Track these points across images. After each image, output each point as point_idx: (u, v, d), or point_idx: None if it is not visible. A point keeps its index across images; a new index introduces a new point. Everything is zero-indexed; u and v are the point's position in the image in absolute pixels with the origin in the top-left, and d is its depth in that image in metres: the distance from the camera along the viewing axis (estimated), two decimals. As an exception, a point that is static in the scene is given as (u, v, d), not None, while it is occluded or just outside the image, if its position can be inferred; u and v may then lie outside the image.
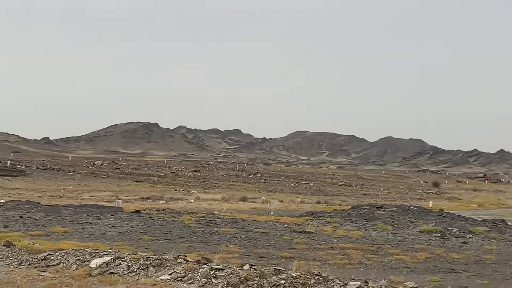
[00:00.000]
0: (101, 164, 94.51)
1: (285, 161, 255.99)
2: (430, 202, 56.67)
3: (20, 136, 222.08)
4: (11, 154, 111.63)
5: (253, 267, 12.14)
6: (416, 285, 11.39)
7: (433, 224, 28.81)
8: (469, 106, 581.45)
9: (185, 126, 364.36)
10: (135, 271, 12.12)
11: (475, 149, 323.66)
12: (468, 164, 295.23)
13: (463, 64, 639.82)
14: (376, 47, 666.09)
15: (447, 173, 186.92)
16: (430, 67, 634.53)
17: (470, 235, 25.70)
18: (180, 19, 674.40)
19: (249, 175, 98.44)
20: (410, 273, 15.97)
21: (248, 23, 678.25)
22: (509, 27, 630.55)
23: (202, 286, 11.26)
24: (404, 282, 12.18)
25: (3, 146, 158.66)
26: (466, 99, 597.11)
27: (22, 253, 13.89)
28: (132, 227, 23.40)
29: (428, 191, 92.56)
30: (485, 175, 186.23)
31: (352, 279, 11.99)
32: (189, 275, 11.70)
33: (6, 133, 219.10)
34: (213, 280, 11.43)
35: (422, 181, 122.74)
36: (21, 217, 24.54)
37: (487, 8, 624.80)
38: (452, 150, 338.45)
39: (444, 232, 26.42)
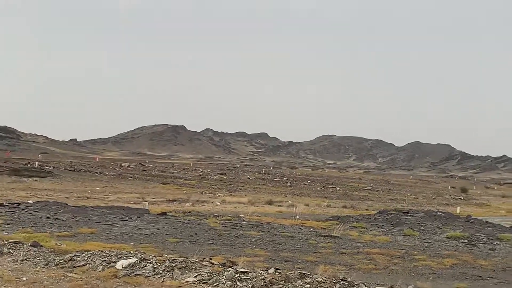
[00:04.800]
0: (128, 166, 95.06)
1: (311, 165, 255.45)
2: (458, 208, 56.04)
3: (48, 137, 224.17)
4: (39, 155, 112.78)
5: (278, 270, 12.12)
6: (442, 292, 11.30)
7: (461, 230, 28.57)
8: (498, 111, 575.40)
9: (212, 129, 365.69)
10: (160, 273, 12.16)
11: (504, 155, 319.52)
12: (497, 170, 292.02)
13: (493, 69, 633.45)
14: (405, 51, 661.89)
15: (475, 179, 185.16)
16: (460, 72, 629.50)
17: (498, 242, 25.41)
18: (205, 21, 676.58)
19: (275, 178, 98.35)
20: (437, 279, 15.84)
21: (275, 25, 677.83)
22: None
23: (227, 289, 11.27)
24: (431, 288, 12.09)
25: (31, 147, 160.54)
26: (495, 105, 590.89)
27: (49, 253, 13.99)
28: (158, 229, 23.49)
29: (456, 197, 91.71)
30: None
31: (378, 284, 11.92)
32: (214, 277, 11.72)
33: (35, 134, 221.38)
34: (238, 283, 11.43)
35: (449, 187, 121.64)
36: (48, 217, 24.74)
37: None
38: (481, 156, 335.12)
39: (471, 238, 26.16)
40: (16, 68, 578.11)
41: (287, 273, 11.51)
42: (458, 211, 50.29)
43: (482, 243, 25.02)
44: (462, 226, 30.30)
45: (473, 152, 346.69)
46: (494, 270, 18.22)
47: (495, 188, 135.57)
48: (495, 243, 25.08)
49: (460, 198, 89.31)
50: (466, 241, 25.42)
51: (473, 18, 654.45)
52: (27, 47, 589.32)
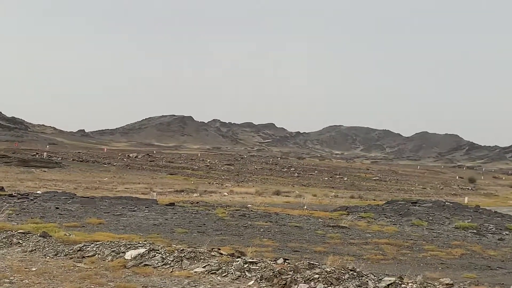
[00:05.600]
0: (135, 157, 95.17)
1: (318, 155, 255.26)
2: (466, 198, 55.87)
3: (57, 128, 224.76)
4: (47, 146, 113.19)
5: (287, 261, 12.12)
6: (451, 282, 11.24)
7: (469, 220, 28.52)
8: (506, 101, 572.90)
9: (219, 120, 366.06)
10: (169, 263, 12.17)
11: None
12: (505, 160, 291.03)
13: (500, 59, 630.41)
14: (413, 41, 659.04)
15: (483, 169, 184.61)
16: (467, 62, 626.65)
17: (507, 232, 25.39)
18: (216, 13, 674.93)
19: (282, 169, 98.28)
20: (446, 269, 15.81)
21: (279, 18, 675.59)
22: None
23: (235, 279, 11.27)
24: (440, 278, 12.03)
25: (40, 138, 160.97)
26: (504, 94, 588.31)
27: (58, 244, 14.02)
28: (167, 220, 23.53)
29: (464, 187, 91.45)
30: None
31: (387, 274, 11.88)
32: (223, 268, 11.72)
33: (43, 125, 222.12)
34: (246, 273, 11.43)
35: (457, 177, 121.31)
36: (57, 208, 24.83)
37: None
38: (489, 146, 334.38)
39: (480, 228, 26.13)
40: (24, 60, 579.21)
41: (296, 263, 11.50)
42: (466, 201, 50.15)
43: (491, 233, 24.99)
44: (471, 216, 30.24)
45: (481, 142, 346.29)
46: (503, 260, 18.19)
47: (503, 178, 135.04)
48: (504, 233, 25.04)
49: (468, 188, 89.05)
50: (474, 231, 25.38)
51: (484, 8, 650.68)
52: (34, 39, 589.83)
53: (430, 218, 29.04)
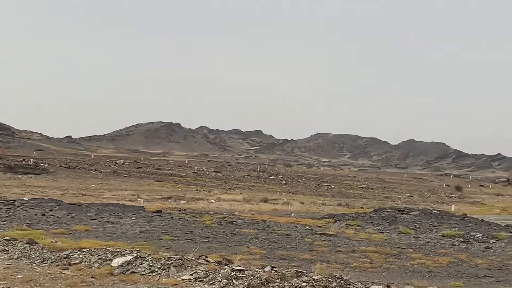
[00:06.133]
0: (123, 163, 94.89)
1: (306, 162, 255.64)
2: (453, 206, 56.08)
3: (43, 134, 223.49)
4: (34, 152, 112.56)
5: (274, 269, 12.10)
6: (438, 290, 11.29)
7: (456, 228, 28.58)
8: (493, 109, 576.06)
9: (206, 127, 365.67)
10: (156, 271, 12.13)
11: (499, 153, 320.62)
12: (491, 168, 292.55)
13: (487, 66, 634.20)
14: (399, 47, 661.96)
15: (470, 177, 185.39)
16: (454, 69, 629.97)
17: (494, 240, 25.45)
18: (205, 15, 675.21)
19: (270, 176, 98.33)
20: (433, 277, 15.84)
21: (267, 22, 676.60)
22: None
23: (223, 287, 11.24)
24: (427, 286, 12.08)
25: (26, 144, 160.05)
26: (490, 103, 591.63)
27: (45, 251, 13.95)
28: (154, 227, 23.45)
29: (451, 195, 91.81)
30: (508, 179, 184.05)
31: (374, 282, 11.90)
32: (210, 275, 11.69)
33: (30, 131, 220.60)
34: (234, 281, 11.40)
35: (444, 185, 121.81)
36: (43, 215, 24.68)
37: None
38: (476, 154, 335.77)
39: (467, 236, 26.19)
40: (11, 65, 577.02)
41: (283, 271, 11.48)
42: (452, 209, 50.33)
43: (478, 242, 25.05)
44: (458, 224, 30.31)
45: (467, 151, 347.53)
46: (490, 269, 18.23)
47: (490, 186, 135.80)
48: (490, 242, 25.11)
49: (455, 197, 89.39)
50: (461, 239, 25.43)
51: (475, 17, 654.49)
52: (22, 45, 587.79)
53: (417, 226, 29.09)
